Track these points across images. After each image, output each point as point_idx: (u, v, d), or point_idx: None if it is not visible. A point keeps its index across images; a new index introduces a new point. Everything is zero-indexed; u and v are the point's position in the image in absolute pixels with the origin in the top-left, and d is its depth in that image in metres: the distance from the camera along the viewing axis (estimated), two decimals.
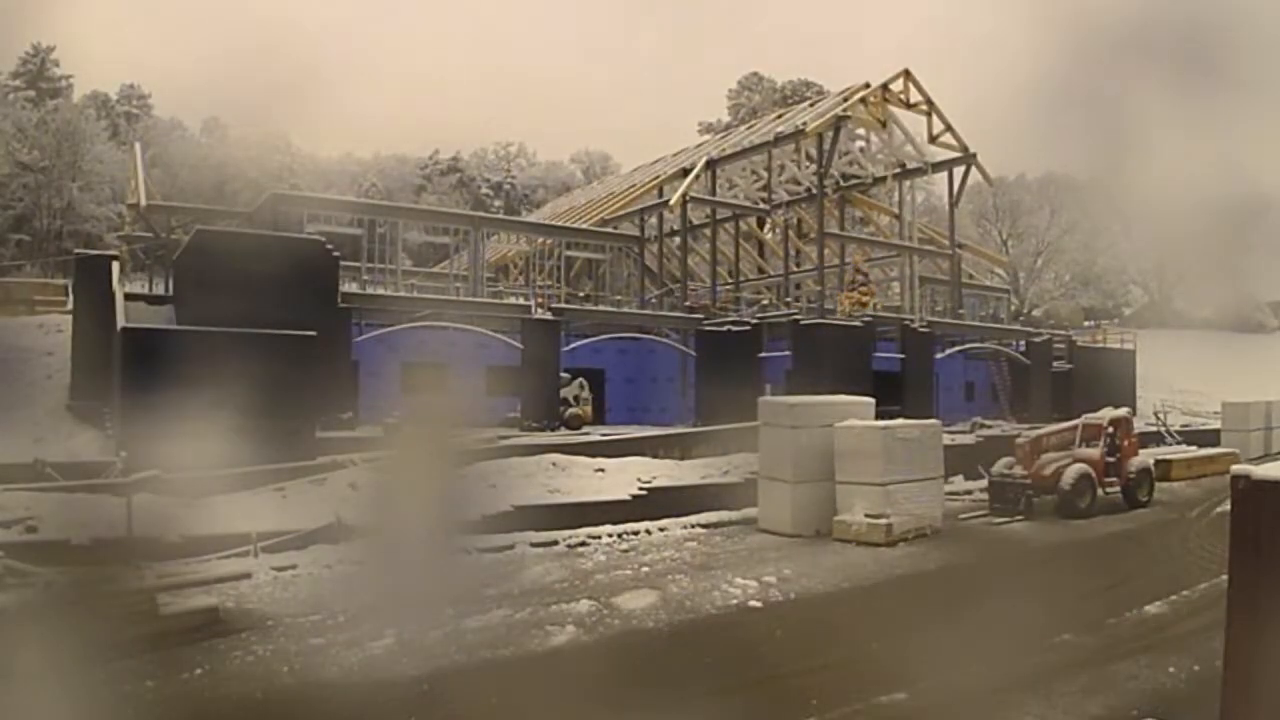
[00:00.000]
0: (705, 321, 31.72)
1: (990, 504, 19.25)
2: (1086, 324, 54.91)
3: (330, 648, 9.34)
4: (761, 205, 38.31)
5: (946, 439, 19.44)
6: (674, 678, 9.27)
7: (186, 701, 7.83)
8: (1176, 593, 11.80)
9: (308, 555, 13.36)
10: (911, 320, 32.46)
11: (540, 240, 38.54)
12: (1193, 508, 19.60)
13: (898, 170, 37.25)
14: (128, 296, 21.17)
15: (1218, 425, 33.00)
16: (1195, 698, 7.56)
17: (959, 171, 36.32)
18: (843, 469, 16.54)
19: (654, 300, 35.89)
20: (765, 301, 36.42)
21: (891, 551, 15.02)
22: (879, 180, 38.28)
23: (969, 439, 25.71)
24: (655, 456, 20.90)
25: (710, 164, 36.52)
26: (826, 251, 34.15)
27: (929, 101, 36.01)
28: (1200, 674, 8.22)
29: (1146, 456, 20.71)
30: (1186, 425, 34.81)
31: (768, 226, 43.73)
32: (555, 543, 15.11)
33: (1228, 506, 5.11)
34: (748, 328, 30.74)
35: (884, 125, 36.47)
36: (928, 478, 16.78)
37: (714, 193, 37.04)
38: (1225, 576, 5.14)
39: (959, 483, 21.98)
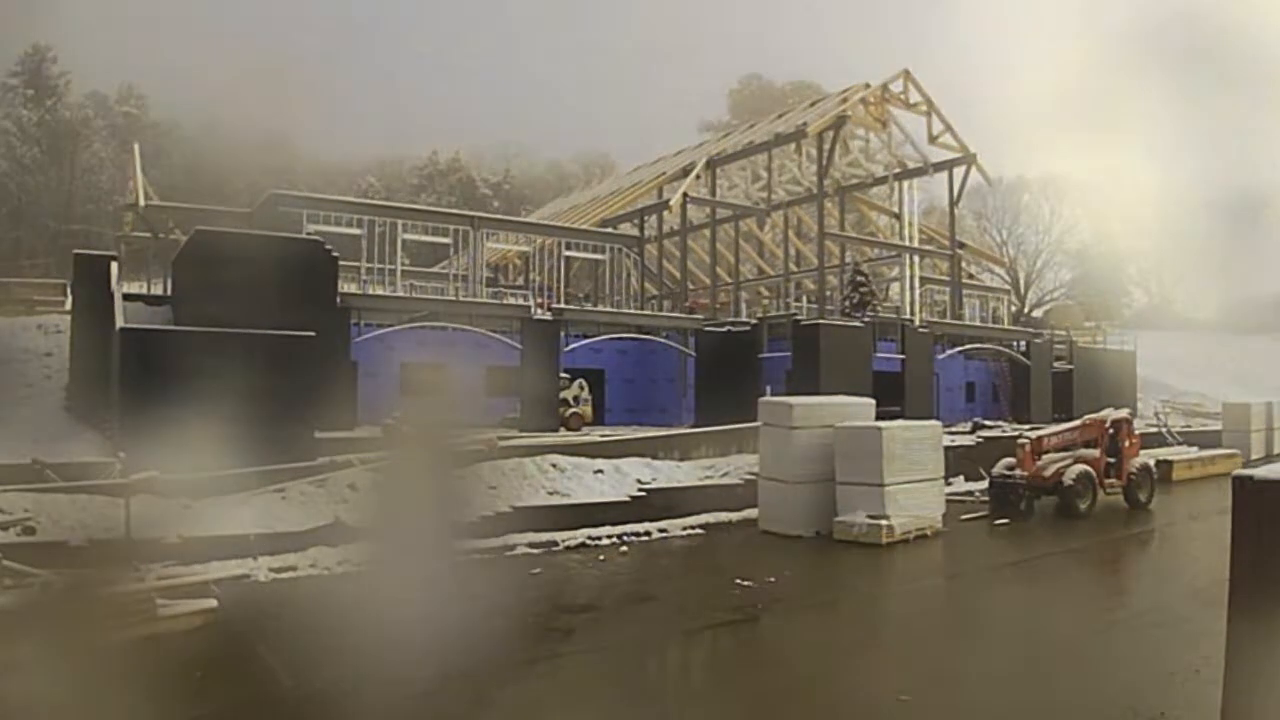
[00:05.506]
0: (705, 322, 31.70)
1: (991, 505, 19.22)
2: (1087, 324, 54.89)
3: (328, 650, 9.31)
4: (761, 205, 38.31)
5: (947, 440, 19.42)
6: (674, 680, 9.26)
7: (185, 704, 7.80)
8: (1178, 592, 11.80)
9: (307, 557, 13.34)
10: (911, 320, 32.45)
11: (540, 240, 38.53)
12: (1193, 508, 19.58)
13: (898, 170, 37.24)
14: (127, 297, 21.12)
15: (1219, 426, 32.97)
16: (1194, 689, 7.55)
17: (959, 171, 36.32)
18: (843, 469, 16.51)
19: (654, 300, 35.86)
20: (765, 302, 36.41)
21: (892, 553, 15.00)
22: (879, 180, 38.27)
23: (969, 439, 25.66)
24: (655, 457, 20.81)
25: (710, 164, 36.52)
26: (826, 252, 34.16)
27: (929, 101, 36.01)
28: (1200, 674, 8.20)
29: (1147, 457, 20.68)
30: (1187, 426, 34.79)
31: (767, 226, 43.75)
32: (555, 544, 15.09)
33: (1228, 506, 5.10)
34: (748, 328, 30.72)
35: (884, 125, 36.47)
36: (928, 478, 16.76)
37: (714, 193, 37.04)
38: (1225, 576, 5.13)
39: (960, 483, 21.94)
